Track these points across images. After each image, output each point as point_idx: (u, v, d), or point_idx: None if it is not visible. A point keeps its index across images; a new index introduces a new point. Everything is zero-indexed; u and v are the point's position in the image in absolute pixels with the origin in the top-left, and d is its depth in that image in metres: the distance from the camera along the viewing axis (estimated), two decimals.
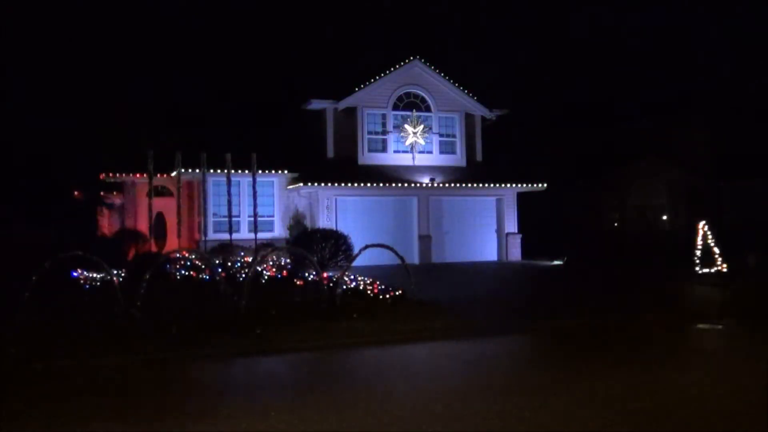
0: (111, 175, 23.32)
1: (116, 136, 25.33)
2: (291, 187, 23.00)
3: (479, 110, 25.23)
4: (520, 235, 24.80)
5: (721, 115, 27.76)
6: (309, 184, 21.87)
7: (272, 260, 17.05)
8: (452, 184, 23.39)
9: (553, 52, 49.24)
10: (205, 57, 46.48)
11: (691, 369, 8.23)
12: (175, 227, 20.28)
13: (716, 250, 16.80)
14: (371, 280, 13.98)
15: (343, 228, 21.13)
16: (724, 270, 16.58)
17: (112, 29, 49.21)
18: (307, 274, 14.75)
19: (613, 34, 52.41)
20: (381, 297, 12.36)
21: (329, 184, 22.07)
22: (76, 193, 24.26)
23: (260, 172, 20.48)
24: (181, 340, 9.45)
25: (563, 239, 23.90)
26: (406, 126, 23.81)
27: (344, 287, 12.57)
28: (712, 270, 16.66)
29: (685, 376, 7.80)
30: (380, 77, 23.78)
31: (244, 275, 13.55)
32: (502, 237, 24.80)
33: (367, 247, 12.38)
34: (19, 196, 22.27)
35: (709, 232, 17.00)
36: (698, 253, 16.91)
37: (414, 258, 22.50)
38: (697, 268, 16.76)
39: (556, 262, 22.95)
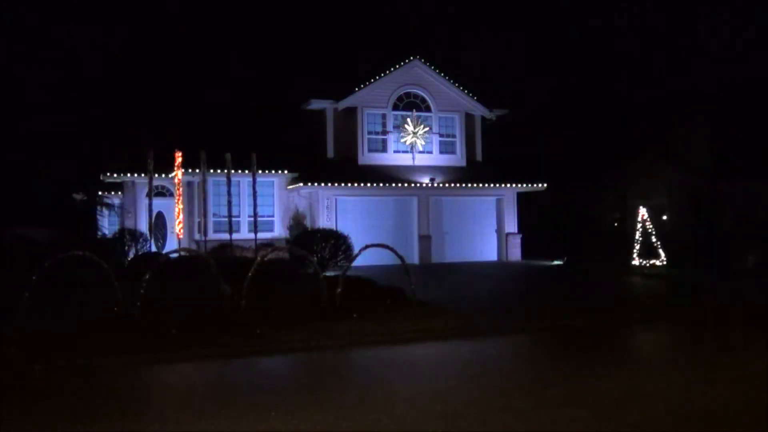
0: (111, 175, 23.32)
1: (116, 136, 25.32)
2: (291, 187, 22.99)
3: (479, 110, 25.23)
4: (520, 235, 24.80)
5: (721, 115, 27.72)
6: (309, 184, 21.86)
7: (272, 260, 17.04)
8: (452, 184, 23.39)
9: (553, 51, 49.26)
10: (205, 57, 46.48)
11: (691, 367, 8.21)
12: (175, 227, 20.28)
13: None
14: (371, 280, 13.97)
15: (343, 228, 21.12)
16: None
17: (113, 28, 49.23)
18: (307, 274, 14.73)
19: (613, 33, 52.43)
20: (381, 297, 12.34)
21: (329, 184, 22.07)
22: (75, 193, 24.26)
23: (260, 172, 20.47)
24: (181, 341, 9.44)
25: (563, 239, 23.88)
26: (406, 126, 23.81)
27: (344, 287, 12.55)
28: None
29: (685, 374, 7.79)
30: (380, 77, 23.77)
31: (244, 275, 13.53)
32: (502, 237, 24.79)
33: (367, 247, 12.37)
34: (19, 196, 22.27)
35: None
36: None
37: (414, 258, 22.49)
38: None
39: (556, 262, 22.94)
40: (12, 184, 22.54)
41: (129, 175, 23.38)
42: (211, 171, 20.50)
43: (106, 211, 23.52)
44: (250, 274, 10.61)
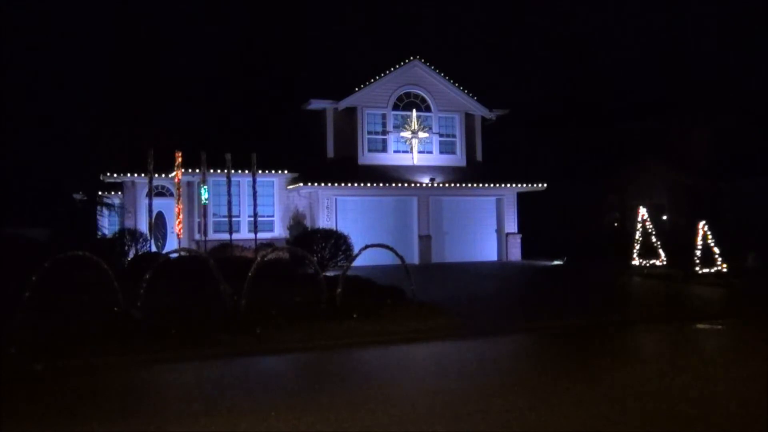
0: (111, 175, 23.32)
1: (116, 136, 25.34)
2: (291, 187, 22.99)
3: (479, 110, 25.23)
4: (520, 235, 24.80)
5: (721, 115, 27.75)
6: (309, 184, 21.86)
7: (272, 260, 17.05)
8: (452, 184, 23.38)
9: (553, 51, 49.23)
10: (205, 56, 46.45)
11: (689, 368, 8.22)
12: (175, 227, 20.28)
13: (716, 250, 16.80)
14: (371, 280, 13.98)
15: (343, 228, 21.13)
16: (724, 270, 16.57)
17: (112, 27, 49.18)
18: (307, 274, 14.73)
19: (612, 33, 52.43)
20: (381, 297, 12.35)
21: (329, 184, 22.06)
22: (75, 193, 24.26)
23: (260, 172, 20.48)
24: (181, 340, 9.44)
25: (563, 239, 23.88)
26: (406, 126, 23.81)
27: (344, 287, 12.55)
28: (712, 270, 16.66)
29: (684, 374, 7.79)
30: (380, 77, 23.77)
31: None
32: (502, 237, 24.79)
33: (367, 247, 12.37)
34: (19, 196, 22.28)
35: (708, 233, 17.00)
36: (698, 253, 16.90)
37: (414, 258, 22.50)
38: (697, 268, 16.73)
39: (556, 262, 22.94)
40: (12, 184, 22.55)
41: (129, 175, 23.38)
42: (211, 171, 20.51)
43: (106, 211, 23.52)
44: (250, 274, 10.61)
